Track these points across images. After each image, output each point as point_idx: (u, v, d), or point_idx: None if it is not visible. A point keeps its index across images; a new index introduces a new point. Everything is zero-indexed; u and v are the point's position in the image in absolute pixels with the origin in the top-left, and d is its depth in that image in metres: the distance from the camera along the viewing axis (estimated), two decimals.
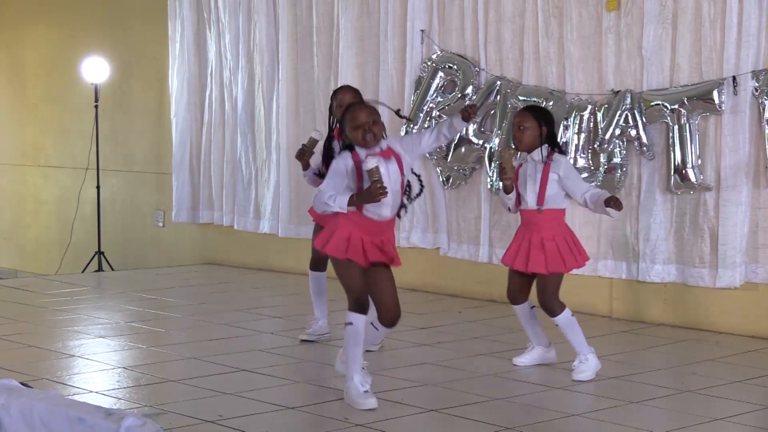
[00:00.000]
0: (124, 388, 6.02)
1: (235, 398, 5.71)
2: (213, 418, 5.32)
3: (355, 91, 6.87)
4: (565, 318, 6.15)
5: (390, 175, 5.48)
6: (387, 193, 5.35)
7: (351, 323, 5.55)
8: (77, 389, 5.91)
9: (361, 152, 5.50)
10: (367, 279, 5.62)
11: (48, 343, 7.16)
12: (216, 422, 5.26)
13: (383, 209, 5.51)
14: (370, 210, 5.51)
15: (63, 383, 6.07)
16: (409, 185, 5.65)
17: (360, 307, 5.57)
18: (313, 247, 6.98)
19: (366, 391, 5.52)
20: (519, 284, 6.31)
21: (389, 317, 5.68)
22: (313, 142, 6.82)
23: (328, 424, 5.30)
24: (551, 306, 6.16)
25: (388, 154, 5.55)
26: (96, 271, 11.28)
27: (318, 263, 7.04)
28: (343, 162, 5.53)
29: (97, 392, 5.85)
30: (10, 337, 7.31)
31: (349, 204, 5.44)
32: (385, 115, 8.94)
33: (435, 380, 6.12)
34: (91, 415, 4.09)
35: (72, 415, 4.10)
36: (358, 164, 5.48)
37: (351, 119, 5.52)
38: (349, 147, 5.56)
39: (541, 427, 5.29)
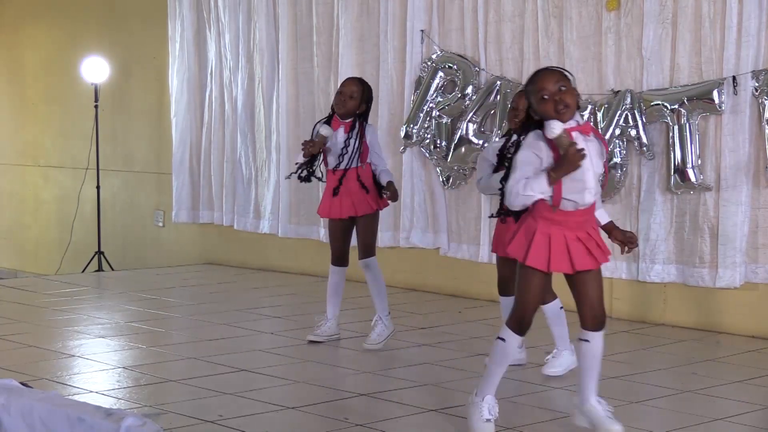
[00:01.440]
0: (124, 388, 6.02)
1: (235, 398, 5.71)
2: (213, 418, 5.32)
3: (358, 84, 6.89)
4: (553, 308, 6.11)
5: (591, 154, 4.68)
6: (585, 154, 4.58)
7: (504, 339, 4.86)
8: (77, 389, 5.91)
9: (551, 126, 4.62)
10: (571, 280, 4.85)
11: (48, 343, 7.16)
12: (216, 422, 5.25)
13: (586, 195, 4.70)
14: (570, 198, 4.69)
15: (63, 383, 6.07)
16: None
17: (521, 328, 4.85)
18: (332, 242, 6.98)
19: (488, 420, 4.94)
20: (509, 272, 5.93)
21: (592, 319, 4.84)
22: (322, 138, 6.79)
23: (328, 424, 5.30)
24: None
25: (587, 129, 4.77)
26: (96, 271, 11.28)
27: (341, 258, 6.97)
28: (531, 148, 4.70)
29: (97, 392, 5.85)
30: (10, 337, 7.31)
31: (550, 183, 4.62)
32: (386, 115, 9.02)
33: (435, 380, 6.12)
34: (91, 415, 4.09)
35: (72, 415, 4.10)
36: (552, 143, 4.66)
37: (537, 91, 4.68)
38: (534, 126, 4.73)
39: (541, 427, 5.29)
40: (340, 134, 6.81)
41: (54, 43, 12.79)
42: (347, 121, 6.82)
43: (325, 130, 6.78)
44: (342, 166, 6.80)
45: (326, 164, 6.89)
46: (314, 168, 6.86)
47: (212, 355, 6.74)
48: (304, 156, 6.81)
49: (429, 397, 5.78)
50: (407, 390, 5.93)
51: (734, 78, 7.24)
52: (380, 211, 6.96)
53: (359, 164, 6.81)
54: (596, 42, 7.90)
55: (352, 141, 6.77)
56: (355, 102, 6.79)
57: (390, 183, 6.86)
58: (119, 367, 6.48)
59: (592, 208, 4.79)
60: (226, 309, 8.35)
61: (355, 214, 6.84)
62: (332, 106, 6.92)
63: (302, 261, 9.97)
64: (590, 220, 4.82)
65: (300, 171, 6.85)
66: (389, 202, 6.96)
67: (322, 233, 9.42)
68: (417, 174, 8.91)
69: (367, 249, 6.87)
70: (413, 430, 5.27)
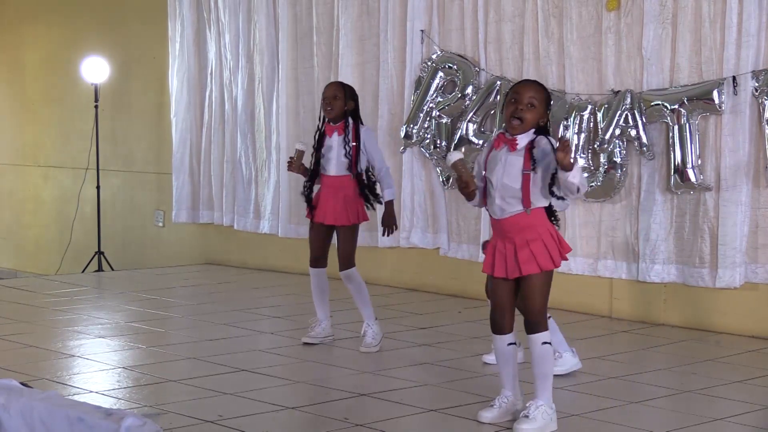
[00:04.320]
0: (124, 388, 6.02)
1: (235, 398, 5.71)
2: (213, 418, 5.32)
3: (338, 85, 6.92)
4: None
5: (506, 168, 5.08)
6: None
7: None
8: (77, 389, 5.91)
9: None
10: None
11: (48, 343, 7.16)
12: (216, 422, 5.25)
13: (494, 208, 5.16)
14: (489, 209, 5.23)
15: (63, 383, 6.07)
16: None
17: (492, 326, 5.30)
18: (310, 243, 6.98)
19: (492, 406, 5.35)
20: None
21: (525, 324, 5.25)
22: (299, 154, 6.83)
23: (328, 424, 5.30)
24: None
25: (513, 146, 5.07)
26: (96, 271, 11.28)
27: (318, 260, 6.97)
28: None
29: (97, 392, 5.85)
30: (10, 337, 7.31)
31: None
32: (386, 115, 9.02)
33: (435, 380, 6.12)
34: (91, 415, 4.09)
35: (72, 415, 4.10)
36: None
37: (511, 94, 5.16)
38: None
39: None
40: (335, 138, 6.81)
41: (54, 43, 12.79)
42: (339, 123, 6.82)
43: (299, 145, 6.88)
44: (331, 172, 6.80)
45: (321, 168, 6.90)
46: (314, 183, 6.90)
47: (212, 355, 6.74)
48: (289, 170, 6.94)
49: (429, 397, 5.78)
50: (407, 390, 5.93)
51: (734, 78, 7.24)
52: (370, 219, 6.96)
53: (349, 172, 6.79)
54: (596, 42, 7.90)
55: (344, 145, 6.76)
56: (340, 102, 6.80)
57: (389, 207, 6.83)
58: (119, 367, 6.48)
59: (516, 218, 5.09)
60: (226, 309, 8.36)
61: (334, 224, 6.83)
62: (320, 116, 6.91)
63: (302, 261, 9.85)
64: (518, 230, 5.10)
65: (305, 191, 6.93)
66: (385, 234, 6.90)
67: None
68: (417, 174, 8.91)
69: (347, 261, 6.83)
70: (413, 430, 5.27)
